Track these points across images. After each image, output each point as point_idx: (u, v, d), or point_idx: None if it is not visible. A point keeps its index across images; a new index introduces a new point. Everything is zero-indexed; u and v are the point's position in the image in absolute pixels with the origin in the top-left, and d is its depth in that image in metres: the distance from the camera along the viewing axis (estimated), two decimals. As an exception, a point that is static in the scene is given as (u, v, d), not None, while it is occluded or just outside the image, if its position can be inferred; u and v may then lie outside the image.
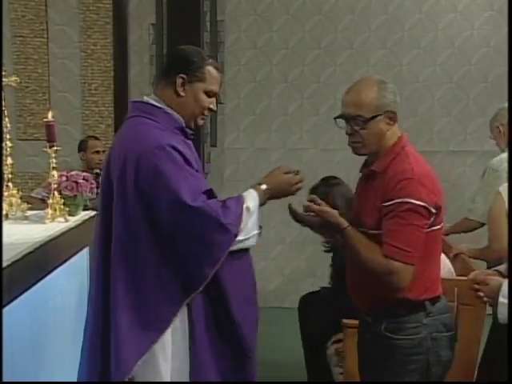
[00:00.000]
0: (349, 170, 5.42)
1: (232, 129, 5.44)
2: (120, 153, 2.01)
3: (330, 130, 5.37)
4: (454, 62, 5.23)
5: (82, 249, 2.77)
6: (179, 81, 2.07)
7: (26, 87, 5.22)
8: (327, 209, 2.14)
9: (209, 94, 2.11)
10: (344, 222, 2.10)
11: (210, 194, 2.02)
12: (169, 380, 2.01)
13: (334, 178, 3.41)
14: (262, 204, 2.08)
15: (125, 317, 1.97)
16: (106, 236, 2.05)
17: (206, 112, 2.14)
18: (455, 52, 5.23)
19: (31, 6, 5.21)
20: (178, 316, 2.00)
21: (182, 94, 2.08)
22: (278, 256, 5.49)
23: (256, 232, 2.05)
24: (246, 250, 2.08)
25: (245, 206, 2.02)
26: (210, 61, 2.12)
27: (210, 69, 2.10)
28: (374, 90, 2.11)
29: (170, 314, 1.98)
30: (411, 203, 1.99)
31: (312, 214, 2.13)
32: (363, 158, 2.36)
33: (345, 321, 2.96)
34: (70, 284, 2.67)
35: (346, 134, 2.18)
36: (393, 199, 2.02)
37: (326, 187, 3.23)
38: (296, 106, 5.39)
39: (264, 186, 2.09)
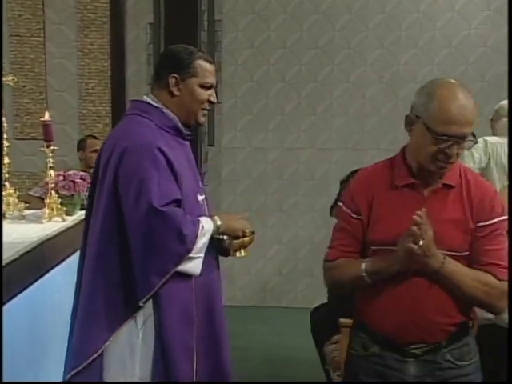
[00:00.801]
0: (345, 169, 5.44)
1: (229, 128, 5.44)
2: (109, 147, 2.05)
3: (327, 129, 5.39)
4: (451, 61, 5.24)
5: (79, 248, 2.76)
6: (172, 81, 2.07)
7: (23, 86, 5.21)
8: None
9: (204, 86, 2.10)
10: (440, 256, 1.84)
11: (178, 204, 2.00)
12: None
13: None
14: (211, 237, 2.06)
15: (85, 309, 2.04)
16: (87, 232, 2.11)
17: (206, 105, 2.12)
18: (452, 51, 5.24)
19: (28, 5, 5.21)
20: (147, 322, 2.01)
21: (177, 93, 2.08)
22: (275, 255, 5.49)
23: (202, 256, 2.01)
24: (188, 286, 2.03)
25: (201, 225, 2.01)
26: (199, 54, 2.12)
27: (201, 62, 2.10)
28: (472, 101, 1.85)
29: (109, 330, 2.00)
30: (505, 220, 1.91)
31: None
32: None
33: (342, 320, 2.97)
34: (67, 283, 2.66)
35: (447, 155, 1.83)
36: (493, 218, 1.89)
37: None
38: (293, 105, 5.39)
39: (219, 222, 2.07)
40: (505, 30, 5.11)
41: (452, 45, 5.23)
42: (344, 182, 3.32)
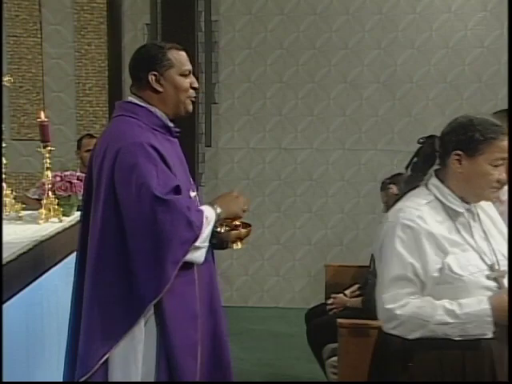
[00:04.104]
0: (343, 169, 5.46)
1: (226, 129, 5.44)
2: (100, 150, 2.05)
3: (324, 130, 5.39)
4: (447, 62, 5.25)
5: (76, 249, 2.76)
6: (152, 78, 2.09)
7: (20, 87, 5.21)
8: None
9: (184, 74, 2.12)
10: None
11: (177, 191, 2.01)
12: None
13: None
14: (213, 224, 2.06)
15: (88, 318, 2.01)
16: (84, 234, 2.09)
17: (190, 93, 2.14)
18: (449, 52, 5.24)
19: (25, 6, 5.20)
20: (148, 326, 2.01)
21: (160, 89, 2.10)
22: (272, 256, 5.49)
23: (207, 245, 2.01)
24: (191, 279, 2.04)
25: (205, 214, 2.02)
26: (169, 45, 2.14)
27: (173, 52, 2.12)
28: None
29: (127, 326, 1.98)
30: None
31: None
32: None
33: (340, 320, 2.97)
34: (64, 284, 2.66)
35: (501, 180, 1.91)
36: None
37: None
38: (291, 106, 5.39)
39: (218, 210, 2.07)
40: (501, 30, 5.13)
41: (449, 46, 5.24)
42: (386, 185, 3.48)
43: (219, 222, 2.08)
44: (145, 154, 1.97)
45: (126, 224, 1.96)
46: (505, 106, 4.96)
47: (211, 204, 2.09)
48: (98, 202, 2.01)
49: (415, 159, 2.07)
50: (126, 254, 1.97)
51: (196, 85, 2.16)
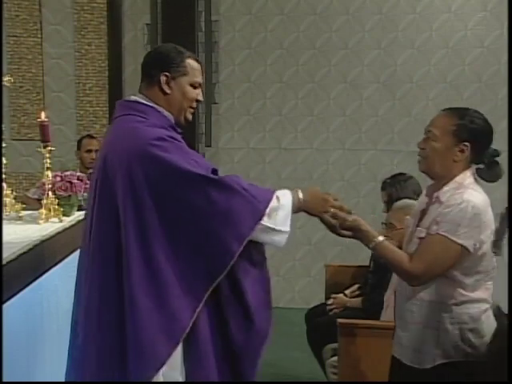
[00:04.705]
0: (343, 169, 5.45)
1: (227, 129, 5.44)
2: (118, 154, 1.98)
3: (324, 130, 5.39)
4: (447, 62, 5.25)
5: (76, 249, 2.75)
6: (163, 79, 2.08)
7: (20, 87, 5.21)
8: None
9: (193, 85, 2.13)
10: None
11: (215, 173, 2.00)
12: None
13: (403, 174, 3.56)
14: (294, 211, 2.05)
15: (148, 317, 1.91)
16: (108, 240, 1.99)
17: (194, 104, 2.15)
18: (449, 52, 5.24)
19: (25, 6, 5.20)
20: None
21: (168, 91, 2.09)
22: (272, 256, 5.46)
23: (287, 230, 2.00)
24: (263, 262, 2.05)
25: (275, 195, 2.00)
26: (188, 53, 2.14)
27: (190, 61, 2.12)
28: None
29: (195, 303, 1.92)
30: None
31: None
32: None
33: (340, 320, 2.97)
34: (64, 284, 2.66)
35: None
36: None
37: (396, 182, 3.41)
38: (290, 106, 5.39)
39: (301, 195, 2.07)
40: (501, 30, 5.13)
41: (449, 46, 5.24)
42: (388, 185, 3.48)
43: (301, 210, 2.06)
44: (171, 146, 1.95)
45: (167, 219, 1.91)
46: (505, 105, 4.98)
47: (291, 190, 2.07)
48: (136, 203, 1.93)
49: None
50: (175, 244, 1.92)
51: (201, 98, 2.17)
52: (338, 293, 3.68)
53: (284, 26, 5.32)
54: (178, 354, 1.96)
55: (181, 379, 1.98)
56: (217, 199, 1.91)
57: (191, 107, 2.15)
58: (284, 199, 2.02)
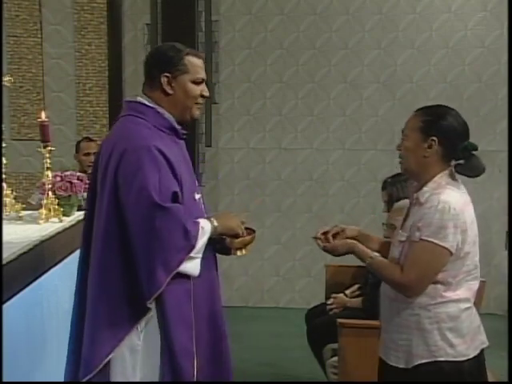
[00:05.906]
0: (343, 169, 5.46)
1: (227, 129, 5.44)
2: (107, 149, 2.04)
3: (324, 130, 5.40)
4: (447, 62, 5.25)
5: (76, 249, 2.75)
6: (164, 80, 2.07)
7: (20, 87, 5.21)
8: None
9: (196, 82, 2.11)
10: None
11: (175, 196, 2.00)
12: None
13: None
14: (209, 237, 2.05)
15: (93, 317, 2.02)
16: (87, 233, 2.08)
17: (199, 100, 2.13)
18: (449, 52, 5.24)
19: (25, 6, 5.20)
20: (150, 324, 2.00)
21: (171, 91, 2.09)
22: (272, 256, 5.49)
23: (200, 257, 2.00)
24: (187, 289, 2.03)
25: (200, 225, 2.02)
26: (187, 50, 2.12)
27: (190, 58, 2.10)
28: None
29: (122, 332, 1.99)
30: None
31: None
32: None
33: (340, 320, 2.97)
34: (64, 284, 2.66)
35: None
36: None
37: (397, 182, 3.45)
38: (291, 106, 5.39)
39: (215, 223, 2.07)
40: (501, 30, 5.13)
41: (449, 46, 5.24)
42: (389, 185, 3.48)
43: (215, 235, 2.07)
44: (150, 157, 1.96)
45: (127, 225, 1.96)
46: (505, 105, 4.98)
47: (208, 218, 2.09)
48: (102, 201, 2.01)
49: None
50: (128, 254, 1.97)
51: (207, 93, 2.14)
52: (338, 293, 3.68)
53: (284, 26, 5.32)
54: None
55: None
56: (157, 223, 1.92)
57: (197, 103, 2.13)
58: (205, 227, 2.03)
